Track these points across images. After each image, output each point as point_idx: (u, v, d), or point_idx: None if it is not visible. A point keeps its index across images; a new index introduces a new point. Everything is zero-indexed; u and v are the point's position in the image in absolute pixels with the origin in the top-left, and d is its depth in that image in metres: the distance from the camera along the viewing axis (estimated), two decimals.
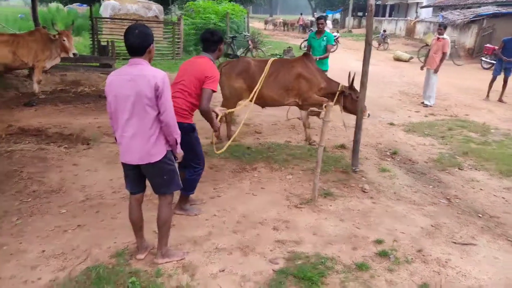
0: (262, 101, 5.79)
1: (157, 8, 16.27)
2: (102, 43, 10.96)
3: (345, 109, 5.83)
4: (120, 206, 3.96)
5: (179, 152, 2.95)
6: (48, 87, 8.75)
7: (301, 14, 41.05)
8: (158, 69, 2.80)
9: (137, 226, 3.08)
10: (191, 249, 3.30)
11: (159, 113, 2.71)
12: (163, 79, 2.67)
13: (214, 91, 3.48)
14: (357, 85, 5.16)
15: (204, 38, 3.64)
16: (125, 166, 2.91)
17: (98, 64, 10.01)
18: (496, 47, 16.14)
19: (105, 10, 15.50)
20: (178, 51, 14.30)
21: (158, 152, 2.80)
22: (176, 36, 14.10)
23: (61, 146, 5.46)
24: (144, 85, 2.62)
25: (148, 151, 2.76)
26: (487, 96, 10.17)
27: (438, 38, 8.97)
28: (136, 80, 2.63)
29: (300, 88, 5.73)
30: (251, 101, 5.48)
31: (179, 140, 2.88)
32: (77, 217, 3.72)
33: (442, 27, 9.11)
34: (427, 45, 17.32)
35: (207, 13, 15.61)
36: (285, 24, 40.63)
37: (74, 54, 7.70)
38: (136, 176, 2.95)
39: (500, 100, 9.97)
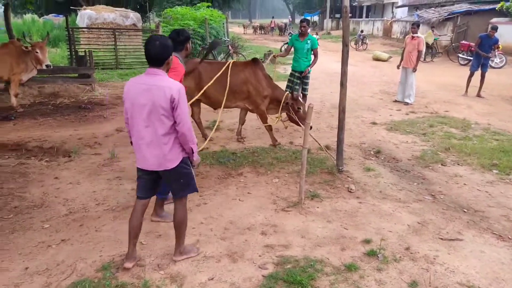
0: (210, 102, 5.92)
1: (134, 16, 16.11)
2: (80, 54, 10.78)
3: (290, 118, 5.94)
4: (104, 218, 3.88)
5: (196, 159, 3.04)
6: (26, 100, 8.56)
7: (273, 17, 44.94)
8: (175, 80, 2.86)
9: (135, 232, 3.09)
10: (178, 258, 3.24)
11: (175, 122, 2.80)
12: (179, 91, 2.76)
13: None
14: (336, 87, 5.19)
15: (171, 38, 3.60)
16: (141, 171, 3.00)
17: (76, 74, 9.85)
18: (472, 44, 16.60)
19: (81, 20, 15.26)
20: None
21: (174, 159, 2.90)
22: None
23: (41, 160, 5.34)
24: (160, 96, 2.71)
25: (165, 158, 2.87)
26: (466, 92, 10.40)
27: (413, 37, 9.10)
28: (152, 90, 2.73)
29: (246, 93, 5.82)
30: (198, 100, 5.75)
31: (195, 149, 2.96)
32: (60, 232, 3.63)
33: (415, 26, 9.28)
34: (427, 44, 17.46)
35: (186, 19, 15.50)
36: (261, 27, 42.77)
37: (47, 66, 7.47)
38: (150, 182, 3.05)
39: (478, 95, 10.21)
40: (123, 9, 17.09)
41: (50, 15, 28.82)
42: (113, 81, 11.47)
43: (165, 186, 3.52)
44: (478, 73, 10.13)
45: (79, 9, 16.62)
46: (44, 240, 3.49)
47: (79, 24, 15.32)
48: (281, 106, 5.94)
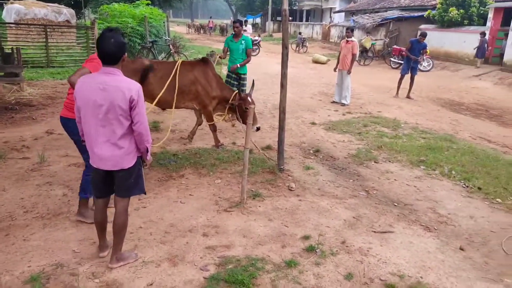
0: (159, 103, 5.62)
1: (68, 12, 15.25)
2: (7, 51, 9.99)
3: (239, 118, 5.81)
4: (33, 226, 3.63)
5: (149, 158, 3.02)
6: None
7: (211, 17, 47.48)
8: (133, 80, 2.83)
9: (102, 227, 3.15)
10: (114, 265, 3.12)
11: (131, 122, 2.77)
12: (138, 92, 2.74)
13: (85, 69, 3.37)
14: (278, 88, 5.30)
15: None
16: (96, 170, 2.93)
17: (2, 73, 9.11)
18: (403, 48, 17.70)
19: (8, 15, 14.14)
20: None
21: (130, 159, 2.89)
22: (90, 41, 13.35)
23: None
24: (118, 97, 2.67)
25: (121, 158, 2.84)
26: (397, 93, 11.08)
27: (347, 41, 9.53)
28: (109, 90, 2.66)
29: (195, 93, 5.69)
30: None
31: (150, 148, 2.94)
32: None
33: (349, 31, 9.76)
34: (364, 48, 18.30)
35: (124, 16, 14.95)
36: (201, 27, 44.41)
37: None
38: (105, 181, 2.98)
39: (408, 97, 10.93)
40: (55, 4, 16.09)
41: None
42: (44, 79, 10.77)
43: (88, 185, 3.51)
44: (408, 76, 10.84)
45: (5, 3, 15.41)
46: None
47: (6, 19, 14.19)
48: (227, 106, 5.85)
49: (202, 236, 3.64)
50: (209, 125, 6.02)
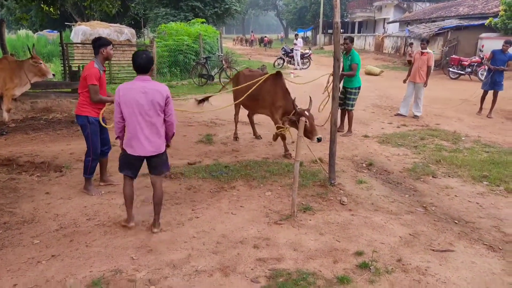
0: (245, 104, 6.71)
1: (129, 32, 16.26)
2: (74, 69, 10.82)
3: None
4: (95, 233, 3.85)
5: (171, 142, 3.96)
6: (19, 115, 8.54)
7: (252, 31, 53.38)
8: (162, 83, 3.74)
9: (131, 200, 3.90)
10: (170, 273, 3.22)
11: (165, 115, 3.63)
12: (168, 91, 3.64)
13: (94, 85, 4.38)
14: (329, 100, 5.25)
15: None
16: (134, 157, 3.70)
17: (69, 90, 9.85)
18: (463, 58, 16.81)
19: (75, 36, 15.37)
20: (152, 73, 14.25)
21: (164, 145, 3.77)
22: None
23: (33, 175, 5.30)
24: (157, 97, 3.53)
25: (160, 144, 3.70)
26: (480, 110, 9.84)
27: (422, 53, 9.11)
28: (149, 93, 3.52)
29: (268, 101, 6.23)
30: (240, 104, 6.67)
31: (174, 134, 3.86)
32: (50, 247, 3.59)
33: (424, 42, 9.28)
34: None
35: (180, 35, 15.65)
36: (246, 40, 48.46)
37: (53, 74, 7.60)
38: (138, 165, 3.82)
39: (489, 116, 9.59)
40: (117, 24, 17.24)
41: (44, 30, 28.97)
42: None
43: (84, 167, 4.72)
44: (490, 92, 9.61)
45: (73, 25, 16.73)
46: (34, 256, 3.45)
47: (74, 39, 15.42)
48: (287, 120, 5.88)
49: (253, 247, 3.65)
50: (277, 133, 6.21)
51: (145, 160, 3.78)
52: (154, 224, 3.88)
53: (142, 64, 3.58)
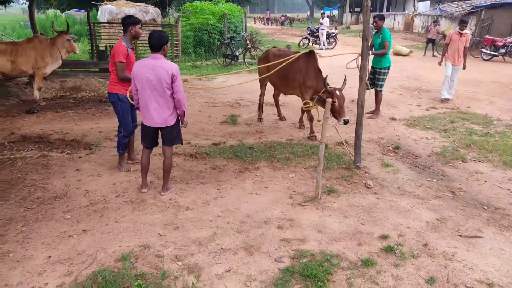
0: (274, 84, 6.74)
1: (154, 11, 16.25)
2: (101, 48, 10.96)
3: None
4: (124, 210, 3.97)
5: (185, 120, 4.23)
6: (49, 94, 8.77)
7: (267, 10, 55.96)
8: (171, 62, 3.91)
9: (146, 169, 4.35)
10: (196, 250, 3.30)
11: (172, 92, 3.91)
12: (177, 70, 3.91)
13: (121, 62, 4.51)
14: (355, 81, 5.15)
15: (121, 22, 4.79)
16: (147, 128, 4.12)
17: (97, 69, 10.01)
18: (497, 38, 16.03)
19: (102, 15, 15.49)
20: (176, 53, 14.28)
21: (173, 118, 4.07)
22: (174, 39, 14.09)
23: (63, 152, 5.47)
24: (163, 74, 3.82)
25: (167, 118, 4.02)
26: None
27: (461, 34, 8.69)
28: (156, 69, 3.82)
29: (298, 80, 6.13)
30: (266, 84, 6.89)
31: (186, 112, 4.13)
32: (81, 222, 3.73)
33: (464, 22, 8.82)
34: (444, 36, 17.01)
35: (205, 14, 15.54)
36: (268, 19, 49.96)
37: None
38: (153, 135, 4.21)
39: None
40: (143, 4, 17.25)
41: (72, 10, 29.36)
42: None
43: (117, 143, 4.94)
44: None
45: (100, 4, 16.86)
46: (66, 230, 3.59)
47: (100, 19, 15.57)
48: (316, 98, 5.83)
49: (277, 228, 3.68)
50: (303, 108, 6.12)
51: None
52: (162, 188, 4.33)
53: (153, 43, 3.88)
